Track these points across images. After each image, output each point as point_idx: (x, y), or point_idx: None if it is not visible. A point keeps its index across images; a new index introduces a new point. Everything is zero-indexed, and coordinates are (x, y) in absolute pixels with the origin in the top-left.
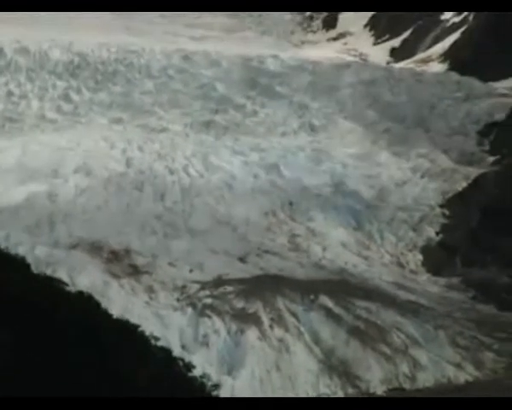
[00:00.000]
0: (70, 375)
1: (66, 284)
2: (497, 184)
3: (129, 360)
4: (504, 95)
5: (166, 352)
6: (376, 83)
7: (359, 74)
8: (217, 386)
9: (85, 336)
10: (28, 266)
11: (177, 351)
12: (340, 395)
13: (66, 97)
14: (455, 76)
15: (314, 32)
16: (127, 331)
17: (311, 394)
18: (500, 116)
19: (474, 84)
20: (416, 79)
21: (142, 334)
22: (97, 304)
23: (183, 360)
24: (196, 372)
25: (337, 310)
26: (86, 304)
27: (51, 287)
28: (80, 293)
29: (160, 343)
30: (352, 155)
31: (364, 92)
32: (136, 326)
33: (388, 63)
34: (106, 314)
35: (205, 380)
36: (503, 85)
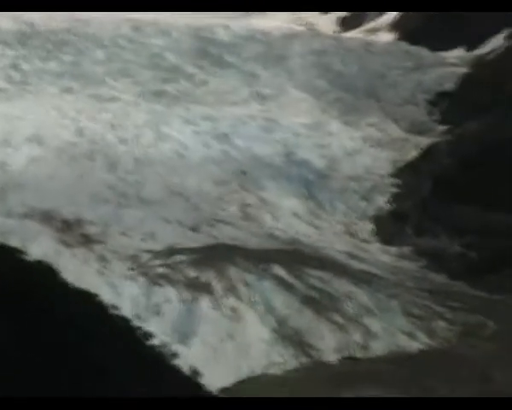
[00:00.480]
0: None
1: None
2: (449, 154)
3: (88, 330)
4: (454, 64)
5: (125, 321)
6: (327, 52)
7: (310, 44)
8: (175, 355)
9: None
10: None
11: None
12: (294, 363)
13: (16, 67)
14: (404, 46)
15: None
16: (85, 300)
17: (264, 363)
18: (450, 86)
19: (424, 53)
20: (366, 49)
21: (100, 303)
22: (55, 273)
23: (140, 328)
24: (155, 341)
25: (290, 279)
26: (44, 273)
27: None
28: (38, 262)
29: (118, 312)
30: (303, 125)
31: (315, 62)
32: (94, 295)
33: (335, 33)
34: (64, 283)
35: (164, 349)
36: (452, 55)
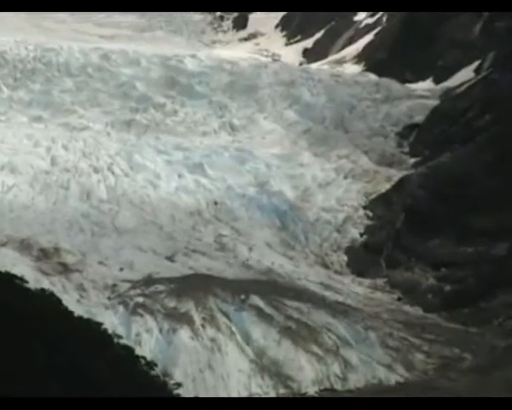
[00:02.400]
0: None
1: (25, 281)
2: (421, 186)
3: (86, 356)
4: (423, 96)
5: (128, 349)
6: (295, 83)
7: (277, 75)
8: (179, 385)
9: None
10: None
11: None
12: (272, 395)
13: None
14: (373, 77)
15: (225, 31)
16: (88, 328)
17: (243, 394)
18: (419, 118)
19: (393, 85)
20: (335, 80)
21: (104, 332)
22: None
23: (145, 358)
24: (158, 371)
25: (268, 310)
26: (46, 301)
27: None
28: (42, 290)
29: (121, 341)
30: (274, 155)
31: (283, 93)
32: (98, 324)
33: (301, 64)
34: (66, 311)
35: (167, 379)
36: (421, 87)
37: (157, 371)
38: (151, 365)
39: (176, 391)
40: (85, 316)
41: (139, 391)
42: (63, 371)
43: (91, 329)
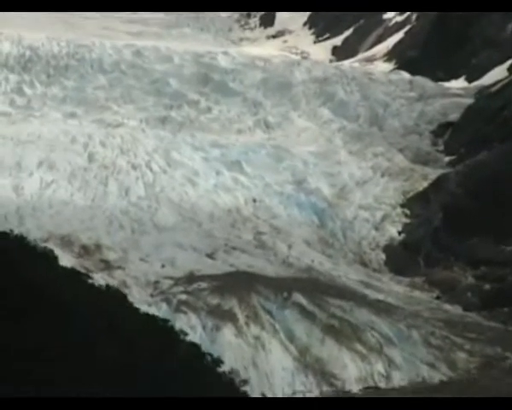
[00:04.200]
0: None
1: (90, 277)
2: (460, 184)
3: (155, 354)
4: (457, 95)
5: (195, 347)
6: (328, 81)
7: (310, 72)
8: (246, 382)
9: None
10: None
11: None
12: (316, 393)
13: (20, 91)
14: (406, 75)
15: (252, 29)
16: (156, 326)
17: (287, 391)
18: (454, 116)
19: (427, 84)
20: (368, 78)
21: (171, 328)
22: (124, 297)
23: (211, 355)
24: (225, 368)
25: (311, 308)
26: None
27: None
28: (107, 286)
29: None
30: (311, 153)
31: (317, 90)
32: (165, 320)
33: (331, 61)
34: (132, 308)
35: (233, 376)
36: (454, 85)
37: (223, 367)
38: (218, 362)
39: (243, 388)
40: None
41: (208, 389)
42: (132, 369)
43: (158, 326)
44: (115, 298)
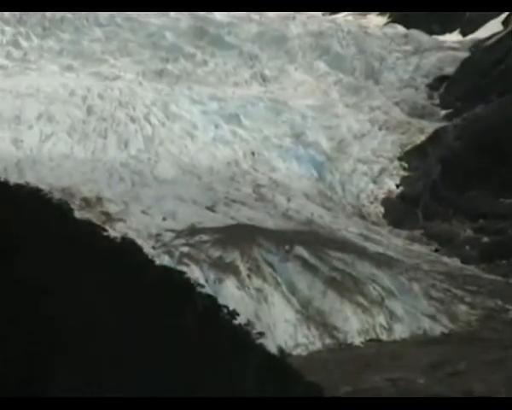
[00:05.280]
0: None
1: (104, 229)
2: (458, 137)
3: (174, 306)
4: (453, 48)
5: (211, 299)
6: (324, 34)
7: (306, 26)
8: (261, 334)
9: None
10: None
11: None
12: (318, 345)
13: (16, 43)
14: (401, 29)
15: None
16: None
17: (290, 344)
18: (449, 70)
19: (422, 37)
20: (364, 32)
21: (187, 281)
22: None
23: (227, 307)
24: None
25: (313, 261)
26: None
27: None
28: (123, 238)
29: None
30: (309, 107)
31: (313, 43)
32: (181, 272)
33: (324, 15)
34: (147, 260)
35: (249, 328)
36: (449, 39)
37: (239, 320)
38: (233, 314)
39: (259, 340)
40: None
41: (226, 342)
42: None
43: (173, 278)
44: (131, 250)
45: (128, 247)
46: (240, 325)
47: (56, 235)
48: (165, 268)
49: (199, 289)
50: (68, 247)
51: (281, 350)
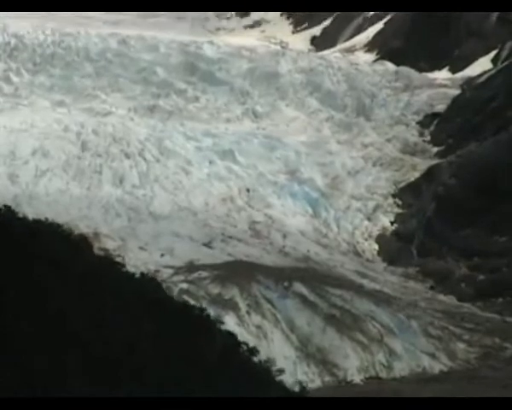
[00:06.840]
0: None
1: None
2: (453, 175)
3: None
4: (443, 85)
5: (231, 336)
6: (315, 71)
7: (296, 62)
8: (281, 371)
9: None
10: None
11: None
12: (318, 382)
13: (7, 79)
14: (391, 66)
15: (228, 18)
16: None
17: (290, 381)
18: (440, 107)
19: (412, 74)
20: (354, 68)
21: (208, 317)
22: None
23: (247, 344)
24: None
25: (312, 297)
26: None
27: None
28: (142, 274)
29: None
30: (303, 143)
31: (303, 80)
32: (201, 309)
33: (310, 52)
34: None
35: (269, 365)
36: (440, 76)
37: (259, 357)
38: (253, 351)
39: (279, 377)
40: None
41: (245, 379)
42: (169, 359)
43: (194, 314)
44: (151, 286)
45: (147, 283)
46: (260, 361)
47: (75, 272)
48: (185, 305)
49: (219, 325)
50: (89, 284)
51: (301, 387)
